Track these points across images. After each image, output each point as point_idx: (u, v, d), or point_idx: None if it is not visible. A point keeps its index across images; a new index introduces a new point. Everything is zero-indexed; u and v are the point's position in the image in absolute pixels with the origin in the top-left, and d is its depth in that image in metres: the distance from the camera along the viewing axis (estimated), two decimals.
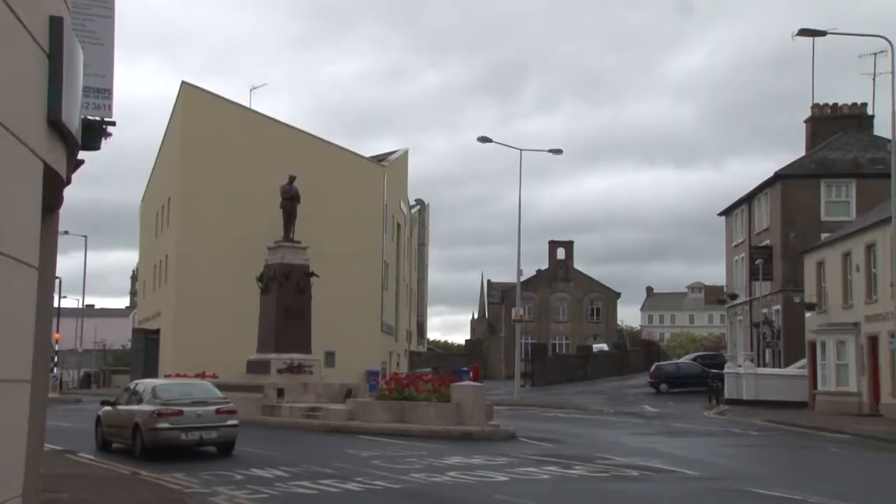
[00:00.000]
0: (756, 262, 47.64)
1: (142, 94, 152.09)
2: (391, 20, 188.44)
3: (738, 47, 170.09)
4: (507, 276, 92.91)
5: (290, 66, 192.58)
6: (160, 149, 60.84)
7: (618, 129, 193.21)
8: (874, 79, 46.81)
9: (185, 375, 38.22)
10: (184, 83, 52.87)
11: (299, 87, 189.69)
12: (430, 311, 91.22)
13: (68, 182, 8.30)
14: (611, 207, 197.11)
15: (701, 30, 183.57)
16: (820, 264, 41.31)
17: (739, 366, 43.71)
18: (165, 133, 58.63)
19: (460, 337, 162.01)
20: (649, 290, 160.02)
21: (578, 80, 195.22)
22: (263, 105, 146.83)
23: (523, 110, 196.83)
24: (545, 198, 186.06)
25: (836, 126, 50.48)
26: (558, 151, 47.36)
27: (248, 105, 55.22)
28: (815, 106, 51.84)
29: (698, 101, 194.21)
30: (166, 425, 18.85)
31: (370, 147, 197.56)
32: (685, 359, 66.17)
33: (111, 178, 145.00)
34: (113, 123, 10.26)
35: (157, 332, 55.46)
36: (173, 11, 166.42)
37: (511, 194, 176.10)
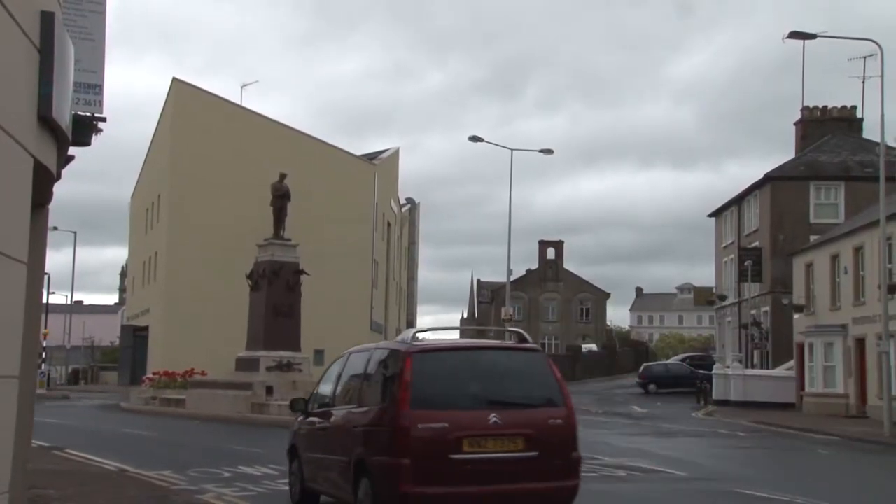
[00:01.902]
0: (745, 264, 47.78)
1: (143, 92, 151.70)
2: (395, 19, 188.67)
3: (740, 50, 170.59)
4: (499, 276, 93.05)
5: (293, 64, 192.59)
6: (150, 145, 60.71)
7: (618, 130, 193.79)
8: (863, 82, 47.08)
9: (174, 373, 38.30)
10: (174, 80, 52.77)
11: (302, 85, 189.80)
12: (422, 310, 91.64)
13: (58, 178, 8.28)
14: (607, 208, 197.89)
15: (704, 32, 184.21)
16: (808, 266, 41.47)
17: (727, 367, 43.86)
18: (156, 130, 58.51)
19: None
20: (638, 290, 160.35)
21: (581, 81, 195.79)
22: (265, 103, 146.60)
23: (525, 110, 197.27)
24: (542, 198, 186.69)
25: (826, 129, 50.69)
26: (549, 151, 47.39)
27: (240, 102, 55.20)
28: (805, 108, 52.04)
29: (699, 104, 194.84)
30: None
31: (371, 146, 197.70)
32: (674, 360, 66.38)
33: (111, 174, 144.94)
34: (103, 119, 10.23)
35: (145, 328, 55.35)
36: (176, 9, 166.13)
37: (507, 194, 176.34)
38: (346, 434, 10.26)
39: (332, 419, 10.95)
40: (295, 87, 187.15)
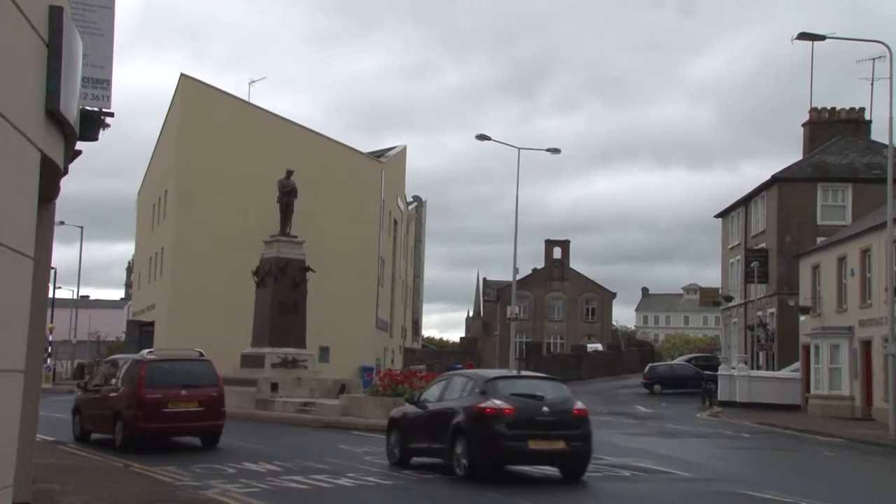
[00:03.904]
0: (751, 265, 47.69)
1: (163, 89, 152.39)
2: (416, 18, 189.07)
3: (759, 52, 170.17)
4: (507, 275, 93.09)
5: (312, 62, 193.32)
6: (157, 141, 60.78)
7: (634, 130, 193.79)
8: (872, 84, 47.00)
9: None
10: (182, 76, 52.77)
11: (320, 83, 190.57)
12: (430, 307, 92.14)
13: (65, 172, 8.29)
14: (620, 208, 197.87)
15: (723, 34, 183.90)
16: (815, 268, 41.37)
17: (733, 368, 43.78)
18: (163, 125, 58.56)
19: (459, 334, 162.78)
20: (644, 290, 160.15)
21: (599, 81, 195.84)
22: (283, 100, 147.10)
23: (543, 110, 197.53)
24: (555, 198, 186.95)
25: (834, 130, 50.54)
26: (556, 151, 47.25)
27: (251, 99, 55.24)
28: (813, 110, 51.92)
29: (717, 105, 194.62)
30: None
31: (388, 144, 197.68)
32: (679, 360, 66.26)
33: (129, 169, 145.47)
34: (111, 114, 10.25)
35: (151, 324, 55.38)
36: (198, 7, 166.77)
37: (520, 193, 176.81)
38: (111, 400, 19.61)
39: (102, 393, 20.25)
40: (313, 84, 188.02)
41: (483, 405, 15.02)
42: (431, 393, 17.23)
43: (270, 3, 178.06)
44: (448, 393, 16.51)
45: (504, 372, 20.92)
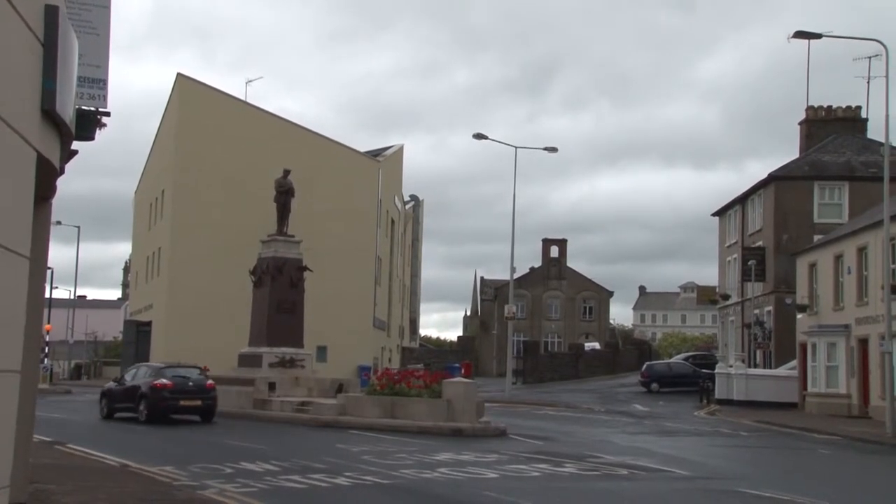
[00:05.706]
0: (748, 263, 47.71)
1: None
2: (429, 16, 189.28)
3: (767, 51, 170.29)
4: (506, 274, 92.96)
5: (324, 61, 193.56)
6: (154, 141, 60.74)
7: (642, 130, 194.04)
8: (868, 82, 47.04)
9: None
10: (179, 75, 52.76)
11: (332, 82, 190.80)
12: (430, 307, 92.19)
13: (62, 172, 8.29)
14: (625, 208, 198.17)
15: (733, 34, 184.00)
16: (812, 266, 41.41)
17: (730, 366, 43.81)
18: (160, 125, 58.53)
19: (457, 333, 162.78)
20: (642, 289, 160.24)
21: (608, 81, 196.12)
22: (293, 99, 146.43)
23: (551, 109, 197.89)
24: (560, 197, 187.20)
25: (831, 129, 50.57)
26: (553, 150, 47.32)
27: (249, 98, 55.22)
28: (809, 108, 51.94)
29: (724, 104, 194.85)
30: None
31: (396, 143, 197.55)
32: (676, 358, 66.24)
33: (135, 169, 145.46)
34: (107, 114, 10.23)
35: (149, 324, 55.37)
36: (211, 6, 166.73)
37: (525, 192, 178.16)
38: None
39: None
40: (324, 83, 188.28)
41: (156, 382, 26.88)
42: (129, 375, 28.85)
43: (282, 2, 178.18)
44: (138, 375, 28.24)
45: (171, 363, 31.13)
